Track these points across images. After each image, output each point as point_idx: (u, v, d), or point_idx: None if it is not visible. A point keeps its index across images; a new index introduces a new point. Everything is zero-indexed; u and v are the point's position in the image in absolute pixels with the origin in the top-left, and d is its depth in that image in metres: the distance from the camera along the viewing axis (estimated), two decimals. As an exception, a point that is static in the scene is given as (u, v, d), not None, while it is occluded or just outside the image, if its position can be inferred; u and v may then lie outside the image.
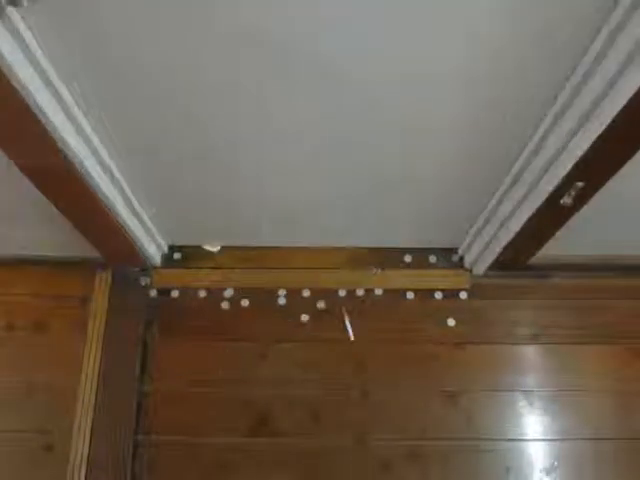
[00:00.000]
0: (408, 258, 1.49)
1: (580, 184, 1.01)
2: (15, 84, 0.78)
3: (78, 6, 0.74)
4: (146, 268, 1.46)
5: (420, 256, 1.49)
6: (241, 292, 1.45)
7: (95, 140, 1.01)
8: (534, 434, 1.33)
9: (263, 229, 1.41)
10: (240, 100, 0.93)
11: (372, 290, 1.46)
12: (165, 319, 1.42)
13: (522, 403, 1.35)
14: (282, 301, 1.44)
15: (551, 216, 1.15)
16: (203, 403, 1.33)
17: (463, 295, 1.46)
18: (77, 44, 0.80)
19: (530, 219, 1.16)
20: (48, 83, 0.84)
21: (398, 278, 1.47)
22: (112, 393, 1.33)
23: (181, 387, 1.34)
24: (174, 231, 1.43)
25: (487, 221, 1.31)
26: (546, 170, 1.04)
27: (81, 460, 1.27)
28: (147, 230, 1.35)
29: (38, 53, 0.79)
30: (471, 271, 1.48)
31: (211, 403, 1.33)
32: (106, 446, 1.29)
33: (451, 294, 1.46)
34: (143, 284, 1.45)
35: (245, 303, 1.44)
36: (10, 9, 0.71)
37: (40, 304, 1.42)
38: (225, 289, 1.45)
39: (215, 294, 1.45)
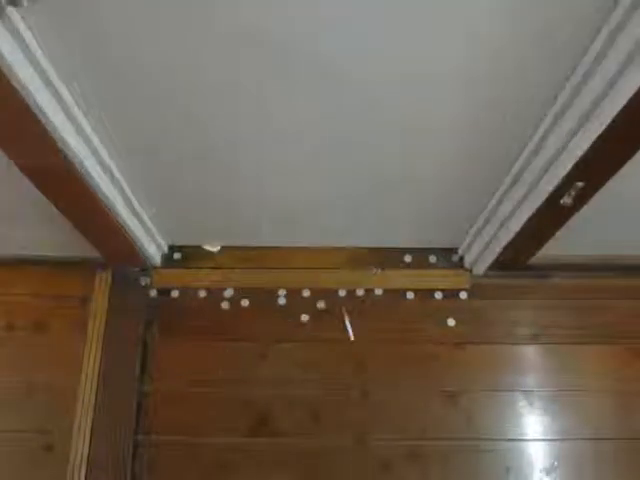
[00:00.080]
0: (408, 258, 1.49)
1: (580, 184, 1.01)
2: (15, 84, 0.78)
3: (78, 6, 0.74)
4: (146, 268, 1.46)
5: (420, 256, 1.49)
6: (241, 292, 1.45)
7: (95, 140, 1.01)
8: (534, 434, 1.33)
9: (263, 229, 1.41)
10: (240, 100, 0.93)
11: (372, 290, 1.46)
12: (165, 319, 1.42)
13: (522, 403, 1.35)
14: (282, 301, 1.44)
15: (551, 216, 1.15)
16: (203, 403, 1.33)
17: (463, 295, 1.46)
18: (77, 44, 0.80)
19: (530, 219, 1.16)
20: (48, 83, 0.84)
21: (398, 278, 1.47)
22: (112, 393, 1.33)
23: (181, 387, 1.34)
24: (174, 231, 1.43)
25: (487, 221, 1.31)
26: (546, 170, 1.04)
27: (81, 460, 1.27)
28: (147, 230, 1.35)
29: (38, 53, 0.79)
30: (471, 271, 1.47)
31: (211, 403, 1.33)
32: (106, 446, 1.29)
33: (451, 294, 1.46)
34: (143, 284, 1.45)
35: (245, 303, 1.44)
36: (10, 9, 0.71)
37: (40, 304, 1.42)
38: (225, 289, 1.45)
39: (215, 294, 1.44)
